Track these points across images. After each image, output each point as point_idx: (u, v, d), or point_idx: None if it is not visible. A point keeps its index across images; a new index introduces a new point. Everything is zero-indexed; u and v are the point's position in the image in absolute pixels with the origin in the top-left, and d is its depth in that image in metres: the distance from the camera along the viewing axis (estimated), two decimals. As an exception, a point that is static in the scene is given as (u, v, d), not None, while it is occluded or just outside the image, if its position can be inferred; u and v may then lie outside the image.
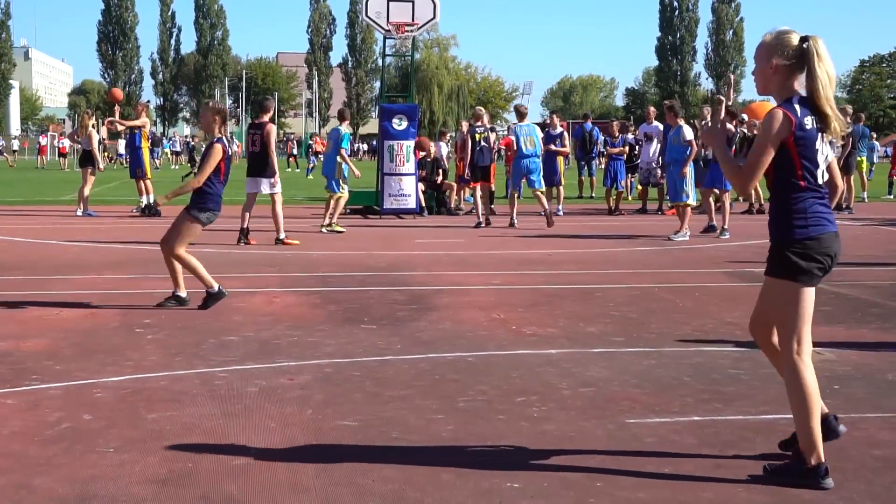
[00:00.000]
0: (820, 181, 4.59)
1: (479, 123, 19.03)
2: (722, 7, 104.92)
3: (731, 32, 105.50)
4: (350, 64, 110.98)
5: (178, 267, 9.33)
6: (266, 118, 15.44)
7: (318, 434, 5.33)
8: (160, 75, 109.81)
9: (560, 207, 21.39)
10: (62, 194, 27.03)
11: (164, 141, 67.21)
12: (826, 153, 4.61)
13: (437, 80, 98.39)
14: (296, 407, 5.88)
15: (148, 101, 36.61)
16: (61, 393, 6.18)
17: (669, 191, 17.08)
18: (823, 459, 4.55)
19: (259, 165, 15.15)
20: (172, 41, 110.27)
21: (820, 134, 4.56)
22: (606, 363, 7.07)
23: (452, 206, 22.00)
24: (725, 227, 16.41)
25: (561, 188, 21.96)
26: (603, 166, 24.41)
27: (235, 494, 4.42)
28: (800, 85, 4.61)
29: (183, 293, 9.35)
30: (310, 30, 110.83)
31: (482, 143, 18.72)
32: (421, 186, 20.86)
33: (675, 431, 5.40)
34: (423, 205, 20.90)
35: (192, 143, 38.90)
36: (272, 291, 10.35)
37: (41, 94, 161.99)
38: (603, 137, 26.62)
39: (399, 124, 20.25)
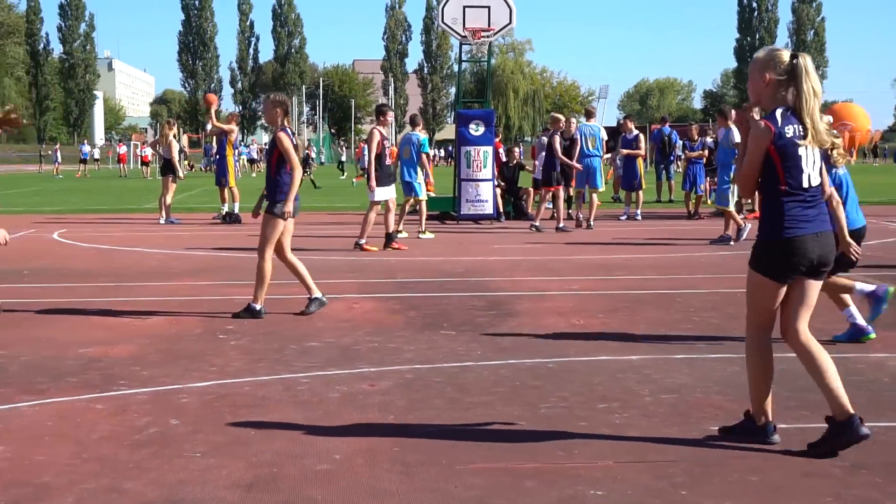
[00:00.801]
0: (805, 185, 5.03)
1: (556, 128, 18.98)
2: (802, 7, 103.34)
3: (812, 33, 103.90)
4: (425, 70, 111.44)
5: (301, 269, 9.44)
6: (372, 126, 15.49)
7: (401, 440, 5.35)
8: (239, 84, 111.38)
9: (639, 212, 21.25)
10: (145, 202, 27.52)
11: (242, 148, 68.05)
12: (814, 159, 5.05)
13: (513, 85, 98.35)
14: (377, 413, 5.91)
15: (239, 111, 37.12)
16: (148, 398, 6.29)
17: (717, 194, 16.88)
18: (771, 419, 5.28)
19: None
20: (251, 50, 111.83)
21: (804, 142, 5.00)
22: (689, 369, 7.00)
23: (530, 211, 21.95)
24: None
25: (640, 192, 21.81)
26: (681, 170, 24.15)
27: (319, 500, 4.45)
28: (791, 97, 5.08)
29: (318, 293, 9.45)
30: (385, 36, 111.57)
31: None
32: (498, 192, 20.84)
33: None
34: (501, 210, 20.88)
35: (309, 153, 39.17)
36: (351, 297, 10.43)
37: (124, 104, 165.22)
38: (681, 141, 26.35)
39: (476, 130, 20.25)
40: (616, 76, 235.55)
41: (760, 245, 5.16)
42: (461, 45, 22.94)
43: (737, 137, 16.41)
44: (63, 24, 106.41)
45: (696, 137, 23.46)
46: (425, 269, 12.88)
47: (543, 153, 19.24)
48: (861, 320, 7.99)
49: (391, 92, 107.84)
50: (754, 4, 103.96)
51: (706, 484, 4.63)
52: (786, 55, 5.09)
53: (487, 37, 21.48)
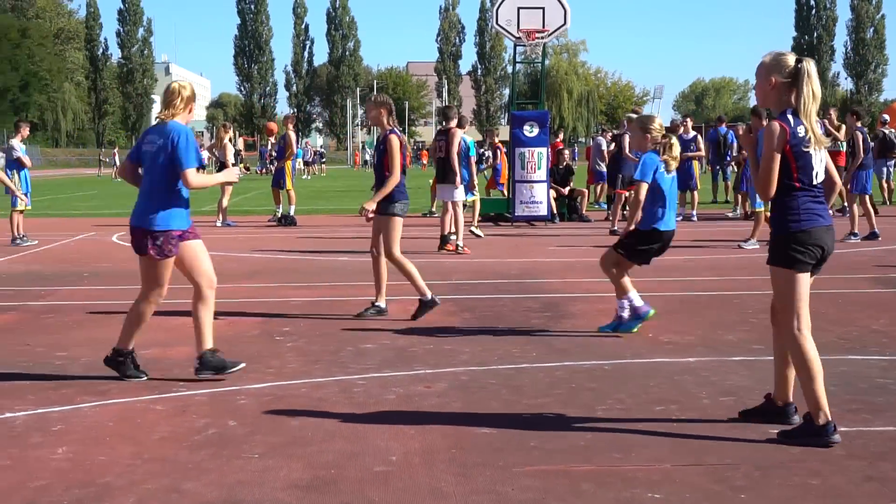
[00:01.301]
0: (814, 182, 5.36)
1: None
2: (862, 4, 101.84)
3: (871, 30, 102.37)
4: (479, 72, 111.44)
5: (385, 276, 9.40)
6: (452, 124, 15.47)
7: (457, 441, 5.35)
8: (294, 87, 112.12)
9: (694, 213, 21.08)
10: (202, 206, 27.77)
11: (297, 151, 68.46)
12: (821, 157, 5.38)
13: (567, 86, 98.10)
14: (433, 414, 5.92)
15: (294, 114, 37.05)
16: (207, 399, 6.35)
17: (749, 195, 16.72)
18: (830, 419, 5.23)
19: (444, 172, 15.26)
20: (305, 53, 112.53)
21: (811, 141, 5.32)
22: (747, 371, 6.93)
23: (584, 212, 21.89)
24: (855, 230, 16.06)
25: (696, 193, 21.63)
26: (738, 170, 23.88)
27: (377, 501, 4.47)
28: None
29: (382, 303, 9.44)
30: (439, 39, 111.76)
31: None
32: (552, 193, 20.79)
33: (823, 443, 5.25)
34: (555, 212, 20.82)
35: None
36: (406, 299, 10.43)
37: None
38: (738, 142, 26.07)
39: (530, 131, 20.21)
40: (671, 76, 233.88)
41: (781, 240, 5.36)
42: (515, 46, 22.92)
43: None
44: (121, 30, 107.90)
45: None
46: (480, 270, 12.88)
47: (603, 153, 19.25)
48: (632, 308, 8.43)
49: (444, 94, 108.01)
50: (812, 2, 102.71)
51: (766, 487, 4.58)
52: (791, 59, 5.38)
53: (542, 38, 21.42)
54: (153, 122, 7.35)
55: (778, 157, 5.28)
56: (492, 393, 6.42)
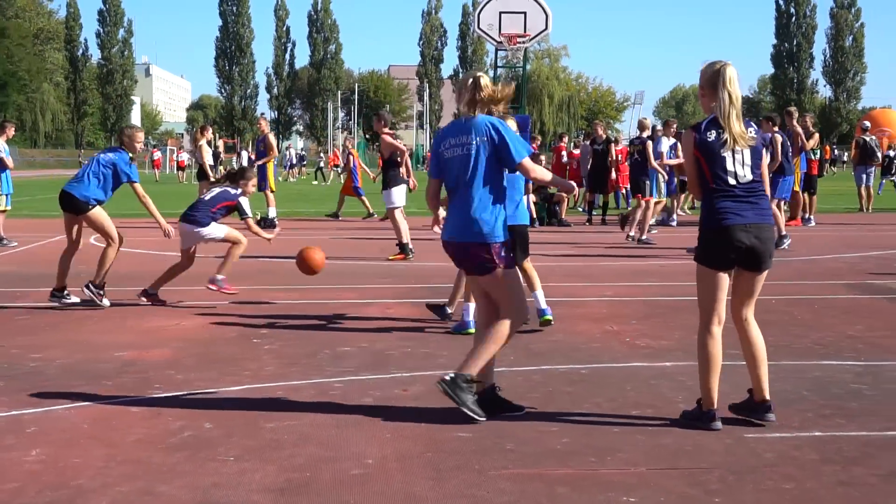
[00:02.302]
0: (733, 182, 5.59)
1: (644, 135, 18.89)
2: (841, 13, 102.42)
3: (850, 38, 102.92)
4: (461, 76, 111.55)
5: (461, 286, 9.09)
6: (383, 129, 15.45)
7: (433, 445, 5.35)
8: (275, 89, 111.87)
9: (675, 217, 21.14)
10: (181, 207, 27.70)
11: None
12: (743, 157, 5.61)
13: (548, 91, 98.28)
14: (410, 417, 5.91)
15: (275, 117, 36.96)
16: (183, 402, 6.33)
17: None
18: (714, 407, 5.68)
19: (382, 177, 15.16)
20: (287, 56, 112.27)
21: (726, 144, 5.58)
22: (723, 376, 6.89)
23: (563, 217, 21.94)
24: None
25: (676, 198, 21.73)
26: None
27: (352, 504, 4.46)
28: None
29: (451, 309, 9.26)
30: (421, 42, 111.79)
31: (636, 157, 18.49)
32: (532, 198, 20.80)
33: (796, 447, 5.28)
34: (535, 216, 20.85)
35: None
36: (386, 303, 10.45)
37: (161, 109, 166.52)
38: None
39: (510, 136, 20.20)
40: (652, 82, 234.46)
41: (699, 238, 5.73)
42: (497, 50, 22.99)
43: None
44: (102, 31, 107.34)
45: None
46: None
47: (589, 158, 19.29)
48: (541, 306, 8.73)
49: (426, 98, 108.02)
50: (792, 10, 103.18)
51: (740, 492, 4.59)
52: (712, 68, 5.66)
53: (523, 42, 21.51)
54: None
55: (692, 161, 5.69)
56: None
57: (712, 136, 5.61)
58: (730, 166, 5.61)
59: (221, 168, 50.00)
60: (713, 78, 5.63)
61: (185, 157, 56.35)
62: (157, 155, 65.89)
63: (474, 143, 5.86)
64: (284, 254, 15.05)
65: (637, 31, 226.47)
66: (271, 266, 13.78)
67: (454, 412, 6.00)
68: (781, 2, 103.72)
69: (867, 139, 24.70)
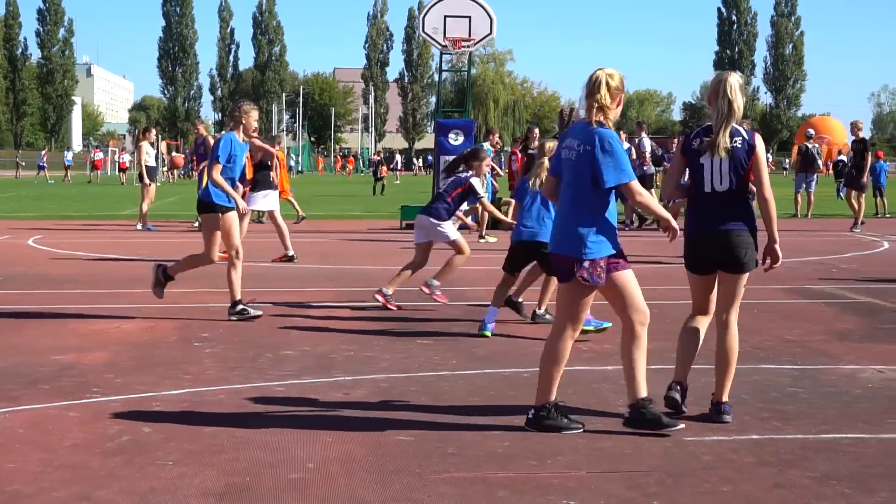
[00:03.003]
0: (707, 189, 5.81)
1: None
2: (781, 21, 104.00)
3: (790, 46, 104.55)
4: (406, 79, 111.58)
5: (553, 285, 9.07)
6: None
7: (375, 448, 5.34)
8: (219, 91, 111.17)
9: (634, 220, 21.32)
10: (122, 209, 27.42)
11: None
12: (721, 167, 5.75)
13: (493, 95, 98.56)
14: (352, 421, 5.90)
15: (199, 118, 36.67)
16: (121, 406, 6.25)
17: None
18: (679, 379, 6.09)
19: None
20: (231, 57, 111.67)
21: (707, 152, 5.77)
22: (663, 379, 7.00)
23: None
24: None
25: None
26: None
27: (292, 508, 4.44)
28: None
29: (541, 309, 9.37)
30: (367, 45, 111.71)
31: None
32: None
33: (734, 450, 5.35)
34: (479, 219, 20.87)
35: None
36: (329, 306, 10.41)
37: (102, 110, 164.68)
38: (661, 153, 26.42)
39: (455, 139, 20.29)
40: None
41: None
42: (442, 54, 23.00)
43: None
44: (42, 30, 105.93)
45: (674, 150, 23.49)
46: (403, 278, 12.83)
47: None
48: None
49: (371, 101, 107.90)
50: (734, 18, 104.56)
51: (678, 494, 4.64)
52: (719, 76, 5.87)
53: (468, 47, 21.53)
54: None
55: (676, 163, 6.06)
56: (411, 400, 6.42)
57: (696, 143, 5.84)
58: (706, 174, 5.80)
59: (164, 170, 49.53)
60: (715, 87, 5.81)
61: (126, 158, 55.78)
62: (99, 156, 65.14)
63: (581, 149, 5.56)
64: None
65: (581, 37, 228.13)
66: (215, 269, 13.66)
67: (397, 416, 6.00)
68: (724, 9, 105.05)
69: (809, 146, 25.05)
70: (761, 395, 6.56)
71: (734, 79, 5.80)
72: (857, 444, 5.45)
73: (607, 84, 5.56)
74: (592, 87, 5.58)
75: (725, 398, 5.96)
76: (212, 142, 21.75)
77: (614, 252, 5.64)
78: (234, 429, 5.72)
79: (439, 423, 5.87)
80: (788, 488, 4.72)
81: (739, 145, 5.76)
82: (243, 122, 9.64)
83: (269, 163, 14.89)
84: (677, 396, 6.04)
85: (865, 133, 26.23)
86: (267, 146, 15.02)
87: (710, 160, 5.77)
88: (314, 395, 6.55)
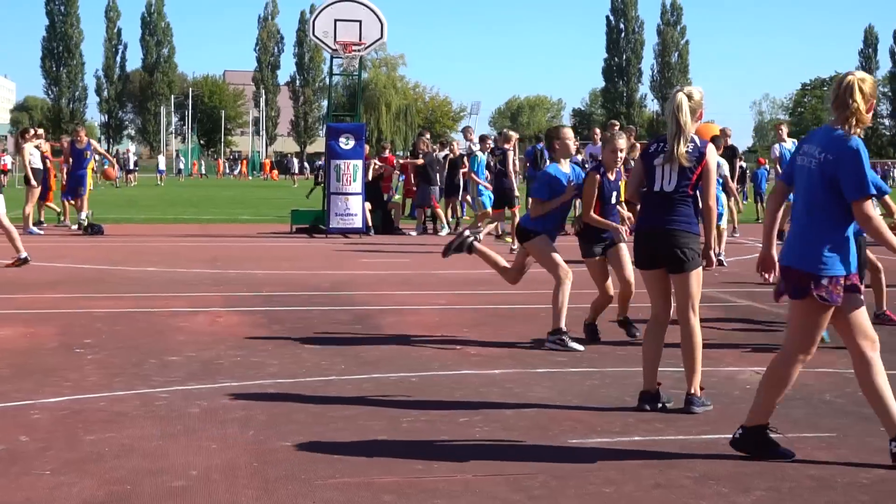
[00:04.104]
0: (656, 188, 6.27)
1: (507, 146, 19.15)
2: (667, 30, 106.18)
3: (676, 55, 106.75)
4: (298, 82, 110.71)
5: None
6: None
7: (260, 455, 5.28)
8: (105, 92, 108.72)
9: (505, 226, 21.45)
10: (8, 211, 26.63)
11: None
12: (670, 173, 6.21)
13: (385, 100, 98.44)
14: (238, 428, 5.83)
15: (105, 121, 35.95)
16: (-2, 414, 6.08)
17: None
18: (645, 387, 6.46)
19: None
20: (118, 58, 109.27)
21: (661, 158, 6.25)
22: (550, 383, 7.10)
23: (399, 225, 22.03)
24: None
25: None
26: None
27: (174, 517, 4.37)
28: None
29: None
30: (258, 48, 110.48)
31: (498, 167, 18.78)
32: (368, 206, 20.83)
33: (618, 451, 5.43)
34: (370, 224, 20.86)
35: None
36: (216, 311, 10.27)
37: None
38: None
39: (346, 143, 20.21)
40: (488, 93, 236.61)
41: None
42: (332, 58, 22.89)
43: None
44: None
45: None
46: (292, 282, 12.77)
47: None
48: None
49: (262, 104, 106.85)
50: (622, 26, 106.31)
51: (562, 496, 4.69)
52: (672, 93, 6.32)
53: (358, 51, 21.47)
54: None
55: (637, 167, 6.57)
56: (298, 406, 6.37)
57: (652, 148, 6.38)
58: (657, 177, 6.27)
59: (54, 176, 48.29)
60: (669, 103, 6.27)
61: (7, 160, 54.17)
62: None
63: (823, 157, 5.12)
64: (117, 259, 14.64)
65: (473, 42, 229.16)
66: (98, 274, 13.39)
67: (283, 421, 5.95)
68: (612, 17, 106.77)
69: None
70: (644, 397, 6.67)
71: (682, 96, 6.18)
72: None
73: (860, 89, 5.10)
74: (843, 92, 5.12)
75: (692, 390, 6.27)
76: (96, 143, 21.42)
77: (855, 271, 5.20)
78: (115, 436, 5.60)
79: (326, 428, 5.84)
80: (669, 488, 4.81)
81: (690, 150, 6.18)
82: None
83: None
84: (647, 407, 6.32)
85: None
86: None
87: (661, 167, 6.26)
88: (199, 401, 6.45)
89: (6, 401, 6.39)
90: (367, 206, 20.84)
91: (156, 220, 24.78)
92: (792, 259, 5.18)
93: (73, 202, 21.75)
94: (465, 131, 25.95)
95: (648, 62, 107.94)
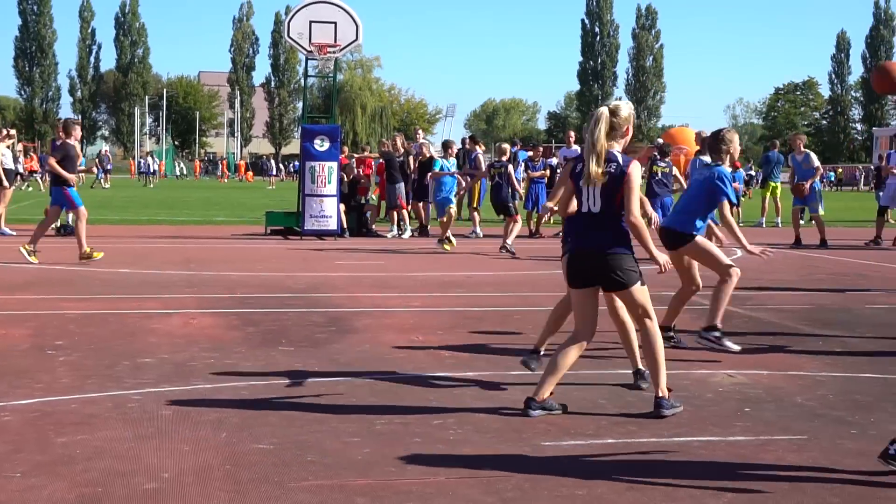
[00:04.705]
0: (584, 209, 6.24)
1: (503, 158, 19.19)
2: (642, 34, 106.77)
3: (650, 58, 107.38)
4: (273, 84, 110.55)
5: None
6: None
7: (233, 458, 5.27)
8: (78, 92, 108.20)
9: (478, 230, 21.44)
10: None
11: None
12: (593, 193, 6.16)
13: (361, 102, 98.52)
14: (210, 430, 5.81)
15: (78, 120, 35.74)
16: (-32, 416, 6.03)
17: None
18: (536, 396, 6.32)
19: None
20: (92, 58, 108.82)
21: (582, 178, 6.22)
22: (524, 384, 7.09)
23: (373, 227, 22.02)
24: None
25: (479, 212, 22.15)
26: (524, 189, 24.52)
27: (146, 520, 4.35)
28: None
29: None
30: (232, 49, 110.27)
31: (498, 179, 18.73)
32: (342, 207, 20.81)
33: (591, 454, 5.45)
34: (345, 226, 20.84)
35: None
36: (189, 313, 10.23)
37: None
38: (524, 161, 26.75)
39: (321, 145, 20.19)
40: (463, 95, 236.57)
41: None
42: (307, 60, 22.86)
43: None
44: None
45: (538, 158, 23.79)
46: (266, 284, 12.75)
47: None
48: None
49: (237, 105, 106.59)
50: (597, 30, 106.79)
51: (535, 498, 4.70)
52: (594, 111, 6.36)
53: (334, 52, 21.46)
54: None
55: (565, 184, 6.77)
56: (272, 408, 6.35)
57: (578, 168, 6.30)
58: (584, 198, 6.24)
59: (26, 172, 47.92)
60: (587, 119, 6.32)
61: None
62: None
63: None
64: (86, 264, 14.56)
65: (449, 44, 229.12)
66: (71, 275, 13.31)
67: (256, 424, 5.93)
68: (587, 21, 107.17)
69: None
70: (618, 400, 6.70)
71: (601, 112, 6.20)
72: (707, 447, 5.61)
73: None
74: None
75: (660, 393, 6.27)
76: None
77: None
78: (87, 438, 5.56)
79: (299, 430, 5.82)
80: (641, 491, 4.83)
81: (613, 170, 6.11)
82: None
83: None
84: (534, 414, 6.23)
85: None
86: None
87: (586, 187, 6.21)
88: (172, 403, 6.42)
89: (-24, 403, 6.34)
90: (342, 207, 20.83)
91: (129, 221, 24.65)
92: None
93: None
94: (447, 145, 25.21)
95: (623, 66, 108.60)
